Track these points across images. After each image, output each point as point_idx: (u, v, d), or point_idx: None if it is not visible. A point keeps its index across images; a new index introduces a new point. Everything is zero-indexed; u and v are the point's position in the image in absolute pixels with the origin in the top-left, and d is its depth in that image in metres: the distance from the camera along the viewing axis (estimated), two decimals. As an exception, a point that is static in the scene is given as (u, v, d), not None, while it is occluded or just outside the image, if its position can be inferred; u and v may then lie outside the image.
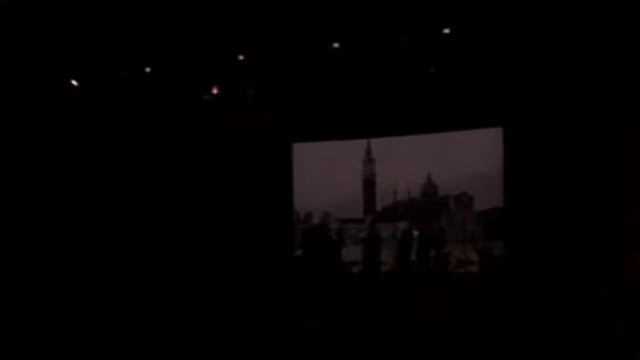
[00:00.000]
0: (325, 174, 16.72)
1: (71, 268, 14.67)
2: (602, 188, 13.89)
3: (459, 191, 15.98)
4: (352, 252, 16.26)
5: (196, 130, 16.36)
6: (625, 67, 13.20)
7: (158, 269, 15.64)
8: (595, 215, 13.86)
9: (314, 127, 16.25)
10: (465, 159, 15.57)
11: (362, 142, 16.94)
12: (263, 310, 11.19)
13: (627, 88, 13.37)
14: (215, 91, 15.44)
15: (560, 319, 9.48)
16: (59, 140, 14.91)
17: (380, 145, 16.85)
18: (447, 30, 13.19)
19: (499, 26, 13.09)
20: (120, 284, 15.01)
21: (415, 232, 16.00)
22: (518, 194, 14.83)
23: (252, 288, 13.41)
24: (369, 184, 16.98)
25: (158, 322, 9.87)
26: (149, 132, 16.21)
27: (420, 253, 15.62)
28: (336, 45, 13.55)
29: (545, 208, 14.27)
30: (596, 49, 13.18)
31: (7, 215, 14.21)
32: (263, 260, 15.74)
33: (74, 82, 14.62)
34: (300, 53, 14.01)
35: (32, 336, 8.94)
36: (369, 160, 17.08)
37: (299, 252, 16.49)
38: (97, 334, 8.94)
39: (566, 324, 8.95)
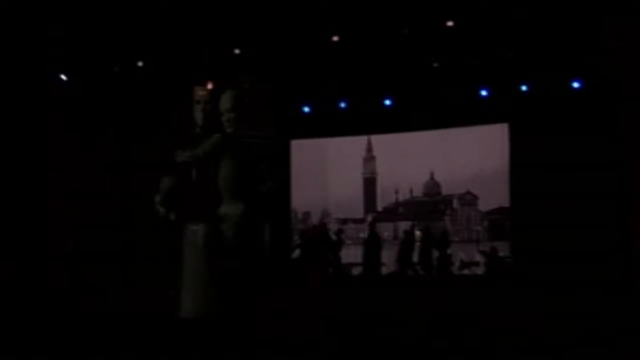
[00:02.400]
0: (324, 172, 16.66)
1: (58, 267, 14.37)
2: (611, 188, 13.56)
3: (463, 190, 15.95)
4: (351, 253, 16.00)
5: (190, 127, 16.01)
6: (628, 66, 12.99)
7: (155, 268, 15.40)
8: (603, 216, 13.50)
9: (312, 123, 16.01)
10: (470, 156, 15.40)
11: (362, 139, 16.85)
12: (261, 313, 10.93)
13: (631, 86, 13.14)
14: (209, 86, 15.07)
15: (568, 321, 9.32)
16: (45, 137, 14.65)
17: (381, 142, 16.69)
18: (450, 23, 12.94)
19: (504, 20, 12.88)
20: (117, 285, 14.82)
21: (418, 233, 15.81)
22: (525, 192, 14.50)
23: (250, 290, 13.07)
24: (370, 183, 16.94)
25: (155, 323, 9.65)
26: (141, 129, 15.89)
27: (423, 254, 15.38)
28: (336, 38, 13.37)
29: (553, 207, 13.91)
30: (601, 48, 12.99)
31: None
32: (259, 262, 15.42)
33: (63, 77, 14.40)
34: (299, 47, 13.81)
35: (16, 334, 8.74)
36: (369, 157, 17.01)
37: (296, 253, 16.16)
38: (91, 336, 8.68)
39: (572, 326, 8.78)
